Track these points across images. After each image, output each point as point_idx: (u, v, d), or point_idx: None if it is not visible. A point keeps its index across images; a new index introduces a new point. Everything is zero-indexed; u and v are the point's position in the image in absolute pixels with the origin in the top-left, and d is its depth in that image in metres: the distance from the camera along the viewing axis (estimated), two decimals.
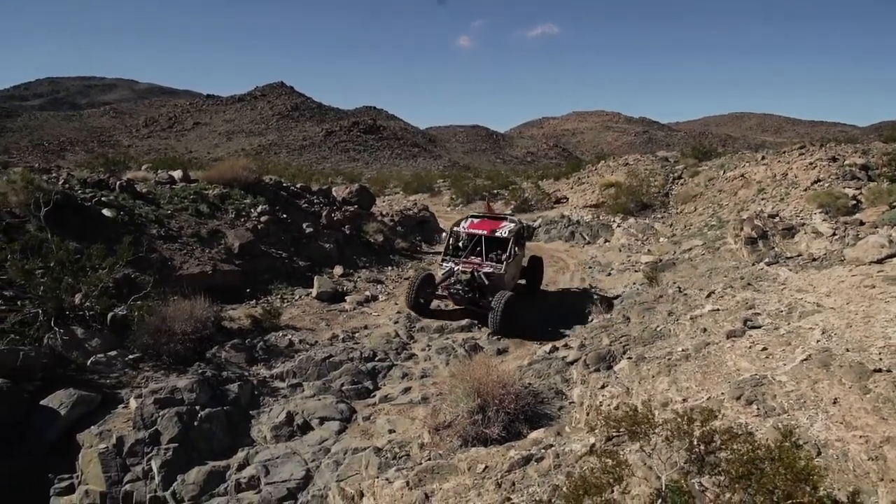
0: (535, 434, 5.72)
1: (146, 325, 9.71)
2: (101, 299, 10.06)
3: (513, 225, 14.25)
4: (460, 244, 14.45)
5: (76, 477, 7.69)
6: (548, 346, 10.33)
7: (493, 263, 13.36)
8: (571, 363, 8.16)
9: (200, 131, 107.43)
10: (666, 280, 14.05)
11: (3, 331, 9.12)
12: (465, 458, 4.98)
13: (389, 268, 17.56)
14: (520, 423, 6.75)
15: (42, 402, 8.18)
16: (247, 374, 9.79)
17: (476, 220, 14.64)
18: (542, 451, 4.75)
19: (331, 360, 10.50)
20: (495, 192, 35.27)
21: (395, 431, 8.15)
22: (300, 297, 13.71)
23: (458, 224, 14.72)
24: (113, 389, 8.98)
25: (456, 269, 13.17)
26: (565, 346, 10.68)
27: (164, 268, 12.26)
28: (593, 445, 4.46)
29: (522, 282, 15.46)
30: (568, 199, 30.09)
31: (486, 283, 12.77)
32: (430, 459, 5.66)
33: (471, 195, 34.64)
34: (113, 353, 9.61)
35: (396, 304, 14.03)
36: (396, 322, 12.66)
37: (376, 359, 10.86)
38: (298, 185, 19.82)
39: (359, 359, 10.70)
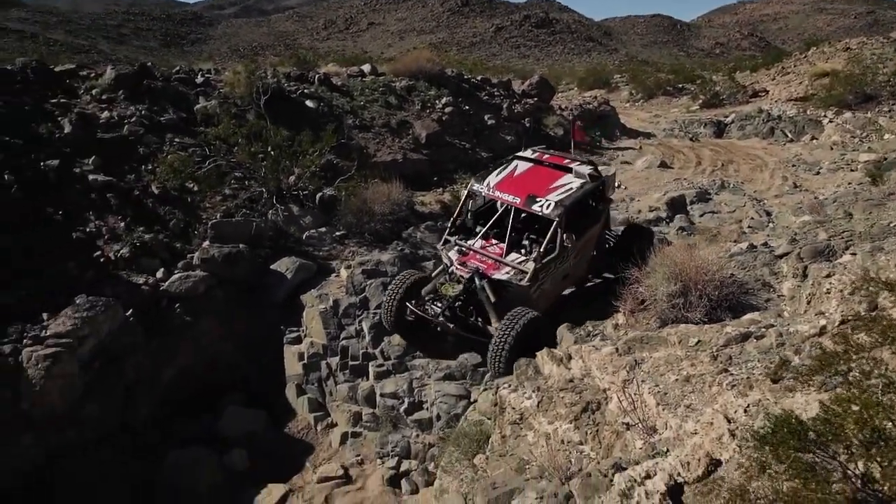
0: (750, 315, 5.49)
1: (350, 205, 10.63)
2: (312, 180, 11.12)
3: (576, 184, 7.82)
4: (497, 209, 8.38)
5: (302, 331, 8.93)
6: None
7: (521, 260, 7.65)
8: (781, 256, 7.57)
9: (374, 31, 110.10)
10: (894, 179, 12.24)
11: (237, 206, 10.52)
12: (675, 332, 4.93)
13: None
14: (722, 311, 6.48)
15: (272, 267, 9.46)
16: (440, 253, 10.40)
17: (519, 171, 8.27)
18: (763, 329, 4.55)
19: None
20: (680, 86, 32.45)
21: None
22: None
23: (483, 179, 8.41)
24: (325, 261, 10.09)
25: (450, 268, 7.87)
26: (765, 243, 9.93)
27: (361, 155, 13.14)
28: (824, 327, 4.18)
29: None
30: (767, 91, 26.84)
31: (493, 299, 7.27)
32: (627, 334, 5.69)
33: (652, 90, 32.25)
34: (323, 229, 10.70)
35: None
36: None
37: None
38: (479, 78, 19.76)
39: None
